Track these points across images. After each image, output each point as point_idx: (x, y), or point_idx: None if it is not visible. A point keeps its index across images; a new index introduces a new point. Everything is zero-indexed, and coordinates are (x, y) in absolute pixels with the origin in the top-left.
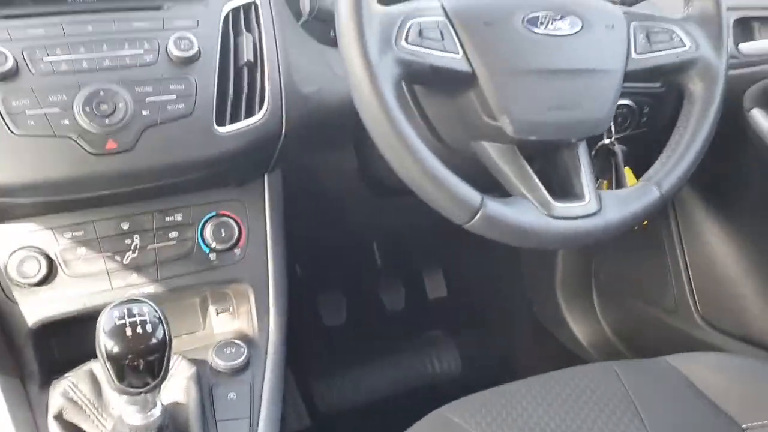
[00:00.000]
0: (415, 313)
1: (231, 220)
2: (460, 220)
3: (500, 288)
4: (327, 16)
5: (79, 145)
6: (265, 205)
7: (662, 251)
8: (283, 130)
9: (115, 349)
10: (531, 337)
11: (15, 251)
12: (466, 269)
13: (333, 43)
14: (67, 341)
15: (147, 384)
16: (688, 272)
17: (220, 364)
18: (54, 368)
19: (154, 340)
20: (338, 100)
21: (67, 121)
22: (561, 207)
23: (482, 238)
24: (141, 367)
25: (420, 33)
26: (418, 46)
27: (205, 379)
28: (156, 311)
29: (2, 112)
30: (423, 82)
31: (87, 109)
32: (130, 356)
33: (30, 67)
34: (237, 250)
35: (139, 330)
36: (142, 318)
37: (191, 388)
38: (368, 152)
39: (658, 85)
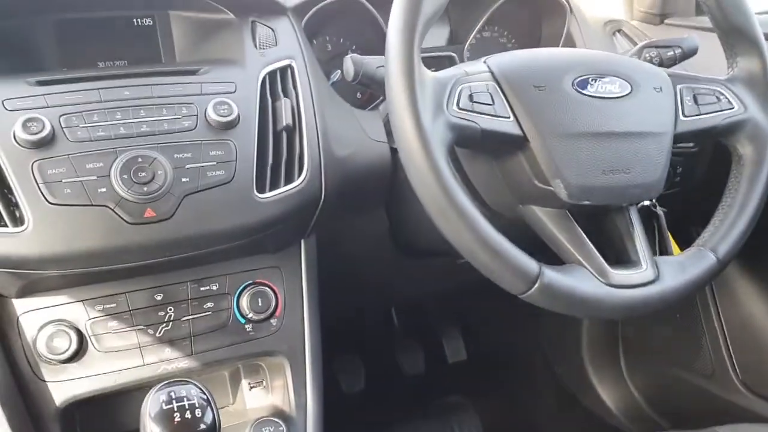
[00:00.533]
0: (434, 377)
1: (268, 289)
2: (517, 290)
3: (521, 351)
4: (370, 82)
5: (117, 214)
6: (302, 271)
7: (695, 312)
8: (323, 195)
9: None
10: (555, 402)
11: (44, 325)
12: (486, 332)
13: (360, 104)
14: (93, 419)
15: None
16: (725, 335)
17: None
18: None
19: (203, 426)
20: (371, 162)
21: (104, 189)
22: (618, 275)
23: (501, 300)
24: None
25: (470, 97)
26: (469, 110)
27: None
28: (204, 392)
29: (38, 181)
30: (473, 146)
31: (125, 176)
32: None
33: (67, 134)
34: (273, 320)
35: (187, 415)
36: (191, 402)
37: None
38: (402, 214)
39: (691, 144)
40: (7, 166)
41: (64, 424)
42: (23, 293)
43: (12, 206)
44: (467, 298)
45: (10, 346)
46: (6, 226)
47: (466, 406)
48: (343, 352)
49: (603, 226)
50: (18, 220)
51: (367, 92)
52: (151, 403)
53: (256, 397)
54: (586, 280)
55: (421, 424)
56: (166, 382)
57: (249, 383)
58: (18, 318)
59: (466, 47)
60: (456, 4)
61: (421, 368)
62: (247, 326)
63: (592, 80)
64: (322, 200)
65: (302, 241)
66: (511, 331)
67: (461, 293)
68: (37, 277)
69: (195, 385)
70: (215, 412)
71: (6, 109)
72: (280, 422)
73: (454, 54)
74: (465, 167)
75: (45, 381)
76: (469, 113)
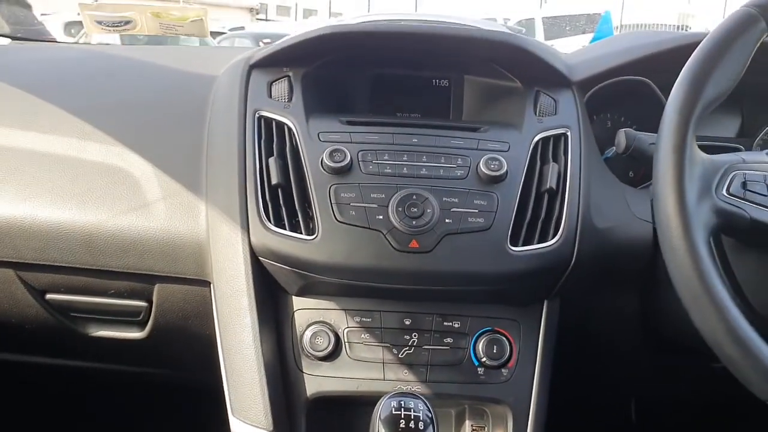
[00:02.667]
0: None
1: (505, 339)
2: (765, 394)
3: None
4: (641, 156)
5: (387, 240)
6: (540, 330)
7: None
8: (573, 260)
9: None
10: None
11: (311, 324)
12: None
13: (632, 182)
14: (331, 419)
15: None
16: None
17: None
18: None
19: None
20: (631, 239)
21: (381, 217)
22: None
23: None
24: None
25: (744, 185)
26: (739, 197)
27: None
28: (430, 411)
29: (332, 201)
30: (739, 236)
31: (400, 209)
32: None
33: (361, 166)
34: (505, 370)
35: (411, 425)
36: (417, 414)
37: None
38: (656, 298)
39: None
40: (312, 185)
41: (308, 416)
42: (301, 292)
43: (309, 219)
44: (719, 413)
45: (283, 335)
46: (302, 233)
47: None
48: None
49: None
50: (311, 231)
51: (640, 171)
52: (384, 407)
53: None
54: None
55: None
56: (401, 392)
57: (472, 425)
58: (293, 313)
59: (756, 142)
60: (751, 98)
61: None
62: (479, 369)
63: None
64: (572, 264)
65: (545, 301)
66: None
67: (713, 409)
68: (316, 280)
69: (424, 401)
70: (436, 430)
71: (320, 140)
72: None
73: (741, 147)
74: (731, 260)
75: (303, 372)
76: (739, 200)
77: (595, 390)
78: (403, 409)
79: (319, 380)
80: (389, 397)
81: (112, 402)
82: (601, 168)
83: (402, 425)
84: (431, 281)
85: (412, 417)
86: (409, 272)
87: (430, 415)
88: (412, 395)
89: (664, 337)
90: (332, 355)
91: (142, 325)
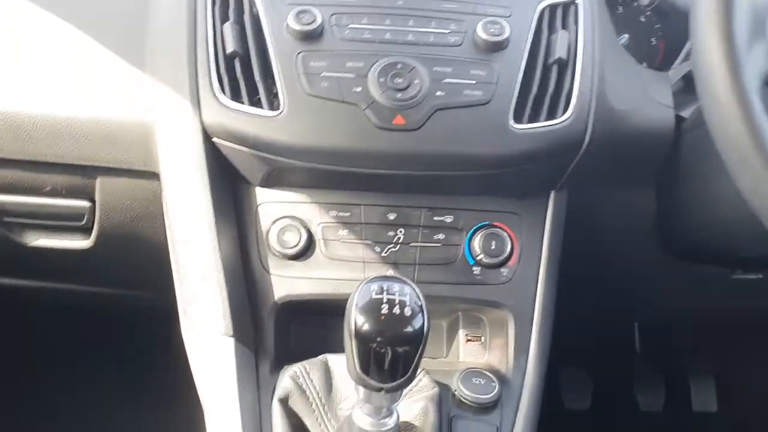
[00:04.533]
0: (673, 423)
1: (504, 234)
2: None
3: None
4: (670, 9)
5: (366, 115)
6: (546, 224)
7: None
8: (586, 140)
9: (366, 327)
10: None
11: (278, 219)
12: (745, 381)
13: (651, 65)
14: (305, 332)
15: (391, 380)
16: None
17: (466, 394)
18: (288, 357)
19: (410, 328)
20: (650, 125)
21: (359, 89)
22: None
23: None
24: (389, 357)
25: None
26: None
27: (446, 406)
28: (419, 297)
29: (300, 71)
30: None
31: (381, 80)
32: (379, 339)
33: (335, 31)
34: (504, 269)
35: (396, 311)
36: (403, 299)
37: (430, 411)
38: (677, 196)
39: None
40: (275, 53)
41: (277, 321)
42: (266, 182)
43: (272, 94)
44: (729, 337)
45: (245, 232)
46: (263, 108)
47: None
48: (571, 362)
49: None
50: (275, 106)
51: (658, 54)
52: (361, 293)
53: (472, 352)
54: None
55: None
56: (383, 276)
57: (466, 335)
58: (257, 207)
59: None
60: None
61: (659, 407)
62: (475, 269)
63: None
64: (584, 146)
65: (552, 193)
66: None
67: (723, 329)
68: (282, 165)
69: (412, 287)
70: (426, 320)
71: (285, 2)
72: (494, 378)
73: None
74: None
75: (270, 273)
76: None
77: (599, 298)
78: (386, 293)
79: (288, 282)
80: (370, 281)
81: (60, 328)
82: (616, 45)
83: (385, 311)
84: (419, 165)
85: (398, 301)
86: (393, 154)
87: (419, 303)
88: (399, 279)
89: (680, 241)
90: (304, 254)
91: (86, 231)
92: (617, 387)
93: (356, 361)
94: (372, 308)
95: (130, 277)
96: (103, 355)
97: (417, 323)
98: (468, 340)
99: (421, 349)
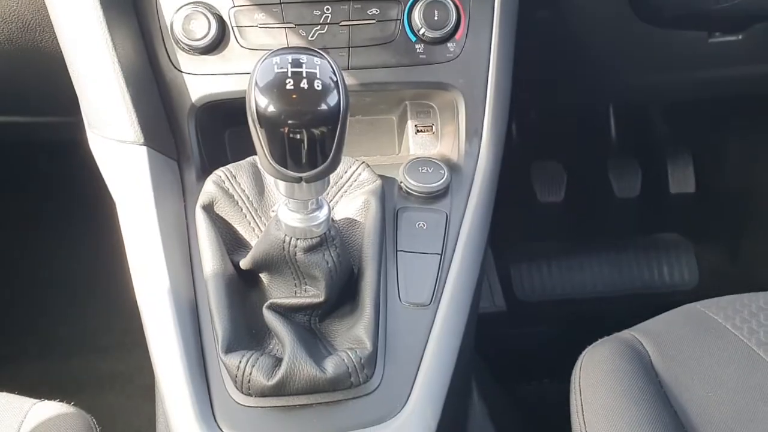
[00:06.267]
0: (650, 206)
1: (449, 2)
2: None
3: (762, 192)
4: None
5: None
6: None
7: None
8: None
9: (271, 109)
10: None
11: (182, 6)
12: (725, 162)
13: None
14: (240, 137)
15: (309, 167)
16: None
17: (412, 184)
18: (224, 164)
19: (323, 106)
20: None
21: None
22: None
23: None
24: (305, 142)
25: None
26: None
27: (391, 199)
28: (334, 70)
29: None
30: None
31: None
32: (289, 122)
33: None
34: (451, 44)
35: (304, 85)
36: (311, 71)
37: (372, 204)
38: None
39: None
40: None
41: (198, 125)
42: None
43: None
44: (706, 115)
45: (147, 26)
46: None
47: (684, 246)
48: (543, 155)
49: None
50: None
51: None
52: (263, 68)
53: (423, 144)
54: None
55: (623, 255)
56: (287, 47)
57: (416, 125)
58: None
59: None
60: None
61: (636, 192)
62: (417, 46)
63: None
64: None
65: None
66: (755, 164)
67: (700, 108)
68: None
69: (326, 58)
70: (343, 94)
71: None
72: (442, 165)
73: None
74: None
75: (182, 71)
76: None
77: (571, 84)
78: (290, 67)
79: (204, 80)
80: (272, 54)
81: None
82: None
83: (290, 87)
84: None
85: (305, 75)
86: None
87: (335, 77)
88: (309, 50)
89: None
90: (217, 47)
91: None
92: (592, 177)
93: (266, 151)
94: (275, 85)
95: (36, 103)
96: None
97: (331, 99)
98: (418, 131)
99: (340, 129)
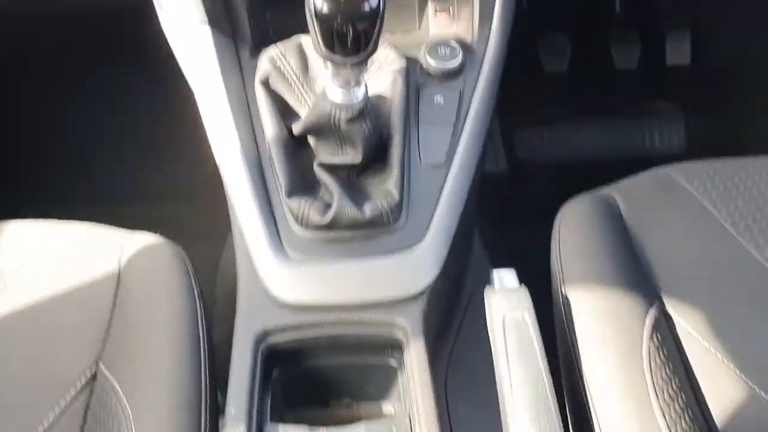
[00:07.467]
0: (647, 76)
1: None
2: None
3: (759, 64)
4: None
5: None
6: None
7: None
8: None
9: (325, 9)
10: None
11: None
12: (720, 37)
13: None
14: (281, 16)
15: (354, 53)
16: None
17: (431, 63)
18: (266, 41)
19: (366, 7)
20: None
21: None
22: None
23: None
24: (350, 35)
25: None
26: None
27: (414, 77)
28: None
29: None
30: None
31: None
32: (339, 19)
33: None
34: None
35: None
36: None
37: (398, 82)
38: None
39: None
40: None
41: (250, 8)
42: None
43: None
44: None
45: None
46: None
47: (675, 115)
48: (551, 30)
49: None
50: None
51: None
52: None
53: (441, 24)
54: None
55: (618, 121)
56: None
57: (435, 8)
58: None
59: None
60: None
61: (634, 64)
62: None
63: None
64: None
65: None
66: (752, 37)
67: None
68: None
69: None
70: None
71: None
72: (457, 47)
73: None
74: None
75: None
76: None
77: None
78: None
79: None
80: None
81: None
82: None
83: None
84: None
85: None
86: None
87: None
88: None
89: None
90: None
91: None
92: (595, 48)
93: (320, 40)
94: None
95: None
96: (92, 57)
97: (373, 1)
98: (437, 12)
99: (378, 24)
